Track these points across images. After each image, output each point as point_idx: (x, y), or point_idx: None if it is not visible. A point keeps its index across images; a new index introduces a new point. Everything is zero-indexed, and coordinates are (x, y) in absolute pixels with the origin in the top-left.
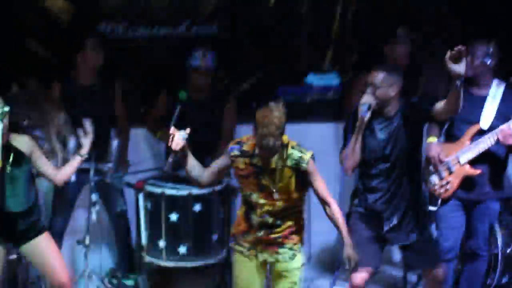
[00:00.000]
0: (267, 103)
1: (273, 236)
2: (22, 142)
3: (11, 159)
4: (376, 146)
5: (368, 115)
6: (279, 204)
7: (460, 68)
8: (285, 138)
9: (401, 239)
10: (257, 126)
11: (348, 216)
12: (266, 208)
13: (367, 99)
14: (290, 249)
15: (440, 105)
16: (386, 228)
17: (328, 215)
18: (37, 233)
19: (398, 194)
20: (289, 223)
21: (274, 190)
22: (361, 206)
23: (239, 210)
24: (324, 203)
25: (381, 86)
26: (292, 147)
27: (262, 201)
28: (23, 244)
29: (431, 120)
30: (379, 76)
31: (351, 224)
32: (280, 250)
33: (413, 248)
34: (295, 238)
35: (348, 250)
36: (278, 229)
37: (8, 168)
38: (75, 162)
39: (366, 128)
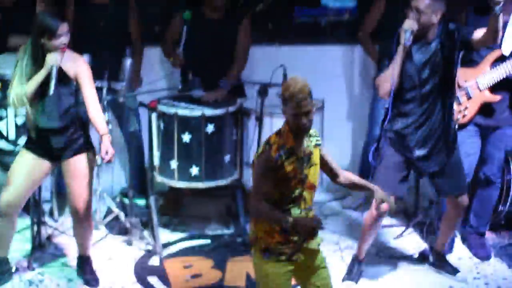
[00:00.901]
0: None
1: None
2: (70, 62)
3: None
4: (413, 71)
5: (410, 41)
6: (316, 187)
7: None
8: None
9: (431, 167)
10: (289, 99)
11: (377, 142)
12: (309, 198)
13: (409, 25)
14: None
15: (479, 33)
16: (415, 154)
17: (342, 182)
18: (75, 153)
19: (430, 121)
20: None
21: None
22: (391, 131)
23: (262, 223)
24: (335, 174)
25: (426, 12)
26: None
27: (305, 192)
28: (61, 161)
29: (469, 48)
30: (425, 2)
31: (380, 149)
32: (315, 237)
33: (442, 174)
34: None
35: (379, 194)
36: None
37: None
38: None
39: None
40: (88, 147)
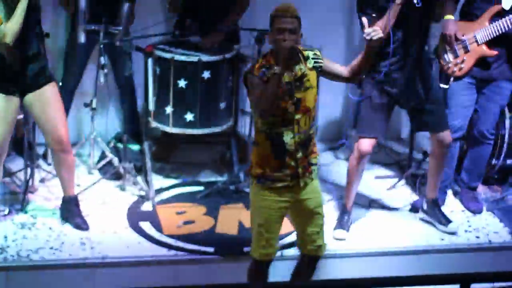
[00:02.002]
0: None
1: (308, 152)
2: None
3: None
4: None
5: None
6: (313, 112)
7: None
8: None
9: (410, 100)
10: (272, 17)
11: (360, 83)
12: (303, 122)
13: None
14: (315, 164)
15: None
16: (395, 90)
17: (352, 75)
18: (45, 81)
19: (408, 58)
20: (311, 132)
21: (309, 99)
22: (376, 71)
23: (257, 150)
24: (343, 75)
25: None
26: (304, 49)
27: (298, 116)
28: (30, 92)
29: None
30: None
31: (363, 89)
32: (312, 168)
33: (422, 111)
34: (316, 150)
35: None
36: (310, 143)
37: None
38: None
39: None
40: (53, 77)
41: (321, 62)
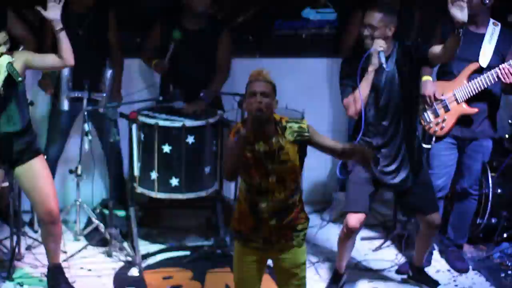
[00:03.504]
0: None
1: (285, 221)
2: (15, 59)
3: (1, 81)
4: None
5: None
6: (292, 185)
7: (463, 16)
8: (276, 116)
9: (397, 186)
10: (247, 88)
11: None
12: (278, 192)
13: (382, 45)
14: (301, 230)
15: (436, 49)
16: (381, 174)
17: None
18: (32, 155)
19: (395, 140)
20: (296, 201)
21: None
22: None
23: (238, 206)
24: (336, 152)
25: (379, 27)
26: (287, 121)
27: (273, 186)
28: (18, 166)
29: (426, 64)
30: (376, 16)
31: (349, 166)
32: (294, 234)
33: (410, 194)
34: (303, 216)
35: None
36: (289, 212)
37: (1, 89)
38: (63, 37)
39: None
40: (41, 149)
41: (306, 136)
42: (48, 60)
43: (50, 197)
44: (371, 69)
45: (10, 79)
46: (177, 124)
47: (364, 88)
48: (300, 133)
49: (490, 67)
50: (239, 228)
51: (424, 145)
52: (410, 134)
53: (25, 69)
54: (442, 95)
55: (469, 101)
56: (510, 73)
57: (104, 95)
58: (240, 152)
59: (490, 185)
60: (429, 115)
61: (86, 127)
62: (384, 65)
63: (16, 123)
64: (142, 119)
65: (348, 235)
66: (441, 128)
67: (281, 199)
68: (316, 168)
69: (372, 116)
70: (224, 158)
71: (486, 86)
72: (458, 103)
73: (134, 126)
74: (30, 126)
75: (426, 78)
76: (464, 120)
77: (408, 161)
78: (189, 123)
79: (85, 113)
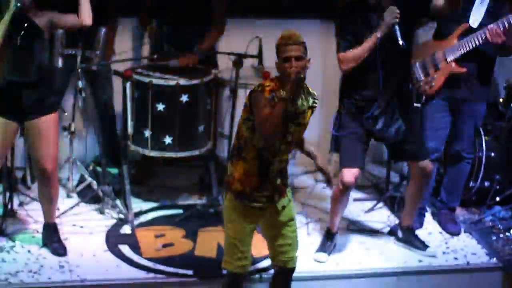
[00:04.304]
0: None
1: (284, 179)
2: (39, 16)
3: (22, 31)
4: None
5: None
6: (294, 146)
7: None
8: None
9: (390, 136)
10: (279, 45)
11: (338, 113)
12: (286, 153)
13: (394, 16)
14: (288, 185)
15: (439, 1)
16: (373, 124)
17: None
18: (44, 112)
19: (387, 91)
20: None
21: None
22: (350, 102)
23: (243, 165)
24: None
25: None
26: (307, 87)
27: (283, 147)
28: (29, 120)
29: (426, 16)
30: None
31: (341, 120)
32: (288, 190)
33: (401, 141)
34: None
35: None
36: (286, 171)
37: (19, 40)
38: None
39: None
40: (57, 107)
41: (316, 105)
42: (69, 19)
43: (47, 158)
44: (378, 35)
45: (29, 29)
46: (171, 82)
47: (365, 51)
48: (314, 100)
49: (482, 27)
50: (242, 188)
51: (416, 104)
52: (403, 83)
53: (49, 26)
54: (434, 54)
55: (461, 62)
56: (498, 33)
57: (98, 53)
58: (282, 114)
59: (484, 148)
60: (420, 73)
61: (80, 84)
62: (400, 41)
63: (30, 73)
64: (136, 77)
65: (343, 191)
66: (431, 87)
67: (286, 159)
68: (310, 128)
69: (366, 68)
70: (259, 119)
71: (474, 45)
72: (447, 62)
73: (128, 84)
74: (47, 80)
75: None
76: (457, 82)
77: (400, 112)
78: (183, 81)
79: (79, 71)
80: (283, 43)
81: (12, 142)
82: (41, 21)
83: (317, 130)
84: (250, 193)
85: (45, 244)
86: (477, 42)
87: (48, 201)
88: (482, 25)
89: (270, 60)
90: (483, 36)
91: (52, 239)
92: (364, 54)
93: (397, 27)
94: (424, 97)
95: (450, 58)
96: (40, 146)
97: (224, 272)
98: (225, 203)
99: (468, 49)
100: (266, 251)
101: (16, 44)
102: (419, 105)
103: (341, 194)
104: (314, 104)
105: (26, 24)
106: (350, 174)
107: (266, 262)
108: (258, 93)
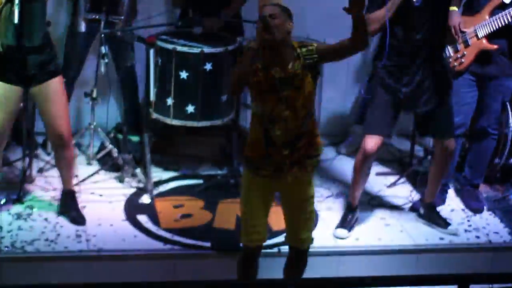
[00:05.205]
0: None
1: (298, 149)
2: None
3: None
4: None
5: None
6: (303, 112)
7: None
8: (294, 42)
9: (418, 106)
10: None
11: (370, 78)
12: (290, 120)
13: None
14: (315, 156)
15: None
16: (402, 91)
17: (352, 40)
18: (49, 76)
19: (420, 61)
20: (310, 129)
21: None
22: (382, 69)
23: (251, 131)
24: (344, 44)
25: None
26: (299, 47)
27: (285, 113)
28: (35, 85)
29: None
30: None
31: (372, 86)
32: (308, 162)
33: (429, 116)
34: (316, 142)
35: None
36: (303, 140)
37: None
38: None
39: None
40: (59, 70)
41: (315, 58)
42: None
43: (61, 121)
44: None
45: None
46: (195, 50)
47: (387, 11)
48: (308, 56)
49: None
50: (250, 154)
51: None
52: (438, 56)
53: None
54: (464, 29)
55: (490, 37)
56: None
57: (122, 18)
58: (246, 63)
59: (510, 125)
60: (449, 49)
61: (103, 49)
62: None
63: (34, 38)
64: (160, 43)
65: (364, 160)
66: (460, 63)
67: (293, 128)
68: (334, 99)
69: (400, 35)
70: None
71: (508, 22)
72: (478, 38)
73: (151, 51)
74: (49, 45)
75: (452, 8)
76: (484, 57)
77: (431, 84)
78: (207, 49)
79: (102, 36)
80: (259, 7)
81: (17, 108)
82: None
83: (341, 102)
84: (257, 160)
85: (61, 212)
86: (510, 19)
87: (65, 166)
88: None
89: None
90: None
91: (70, 207)
92: (386, 15)
93: None
94: (453, 74)
95: (481, 34)
96: (50, 110)
97: (241, 245)
98: (243, 175)
99: (500, 25)
100: (283, 224)
101: (19, 8)
102: None
103: (363, 163)
104: (308, 62)
105: None
106: (372, 141)
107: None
108: (244, 51)
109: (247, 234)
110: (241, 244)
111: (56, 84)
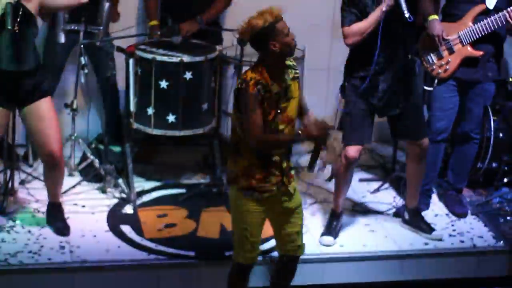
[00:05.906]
0: None
1: (290, 161)
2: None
3: (19, 18)
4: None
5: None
6: (295, 119)
7: None
8: None
9: (390, 109)
10: (274, 24)
11: (342, 88)
12: (287, 132)
13: None
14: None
15: None
16: (375, 98)
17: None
18: (41, 96)
19: (392, 67)
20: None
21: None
22: (354, 77)
23: (241, 161)
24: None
25: None
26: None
27: (282, 126)
28: (26, 106)
29: None
30: None
31: (346, 96)
32: (293, 172)
33: (401, 118)
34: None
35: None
36: (291, 152)
37: (16, 28)
38: None
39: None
40: (50, 91)
41: (298, 75)
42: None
43: (51, 140)
44: (384, 8)
45: (25, 17)
46: (175, 59)
47: (370, 24)
48: (295, 71)
49: (497, 9)
50: (248, 183)
51: (426, 88)
52: (408, 60)
53: (40, 8)
54: (447, 36)
55: (474, 43)
56: None
57: (101, 28)
58: (259, 108)
59: (492, 129)
60: (432, 57)
61: (82, 60)
62: (406, 14)
63: (27, 62)
64: (140, 53)
65: (347, 166)
66: (445, 71)
67: None
68: (316, 105)
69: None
70: (247, 125)
71: (493, 29)
72: (463, 45)
73: (131, 61)
74: (40, 66)
75: (433, 17)
76: (467, 62)
77: (403, 87)
78: (187, 58)
79: (81, 46)
80: (277, 19)
81: (5, 126)
82: (31, 6)
83: (322, 108)
84: (258, 186)
85: (48, 223)
86: (496, 26)
87: (55, 183)
88: (497, 7)
89: None
90: (503, 18)
91: (55, 217)
92: (369, 28)
93: (402, 0)
94: (436, 81)
95: (466, 41)
96: (43, 128)
97: (227, 254)
98: (232, 196)
99: (486, 32)
100: (270, 232)
101: (11, 33)
102: (430, 88)
103: (345, 170)
104: (296, 76)
105: (20, 12)
106: (353, 149)
107: (271, 243)
108: (243, 92)
109: (245, 252)
110: (226, 253)
111: (47, 104)
